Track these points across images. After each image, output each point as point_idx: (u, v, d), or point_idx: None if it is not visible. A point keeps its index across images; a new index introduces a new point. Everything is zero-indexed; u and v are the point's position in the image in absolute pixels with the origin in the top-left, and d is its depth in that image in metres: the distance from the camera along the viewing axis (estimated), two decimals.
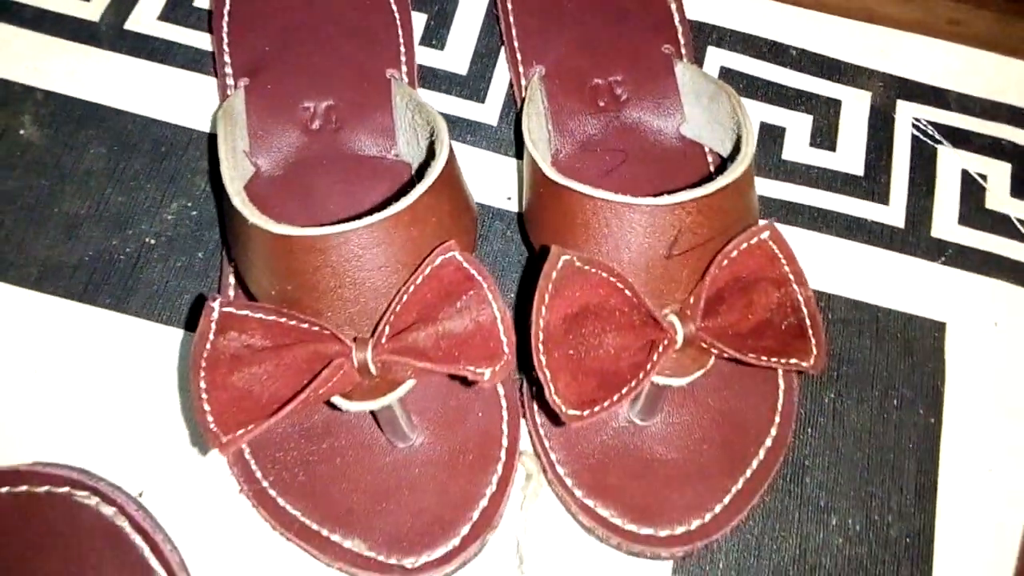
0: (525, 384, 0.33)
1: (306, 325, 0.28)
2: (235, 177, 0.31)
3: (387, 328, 0.28)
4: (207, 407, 0.27)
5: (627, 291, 0.28)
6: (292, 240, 0.28)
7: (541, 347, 0.27)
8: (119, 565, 0.29)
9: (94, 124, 0.37)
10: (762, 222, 0.30)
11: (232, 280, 0.34)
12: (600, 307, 0.28)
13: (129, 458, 0.32)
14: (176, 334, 0.34)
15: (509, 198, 0.37)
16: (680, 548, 0.30)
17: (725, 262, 0.29)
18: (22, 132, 0.37)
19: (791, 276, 0.30)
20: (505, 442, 0.31)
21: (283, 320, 0.28)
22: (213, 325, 0.28)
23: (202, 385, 0.27)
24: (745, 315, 0.29)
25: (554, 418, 0.28)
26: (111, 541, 0.29)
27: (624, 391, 0.28)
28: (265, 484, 0.31)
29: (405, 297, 0.28)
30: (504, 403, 0.32)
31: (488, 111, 0.39)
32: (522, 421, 0.33)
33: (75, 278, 0.34)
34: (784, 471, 0.33)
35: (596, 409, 0.27)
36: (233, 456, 0.31)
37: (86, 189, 0.36)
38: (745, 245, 0.29)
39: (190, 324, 0.34)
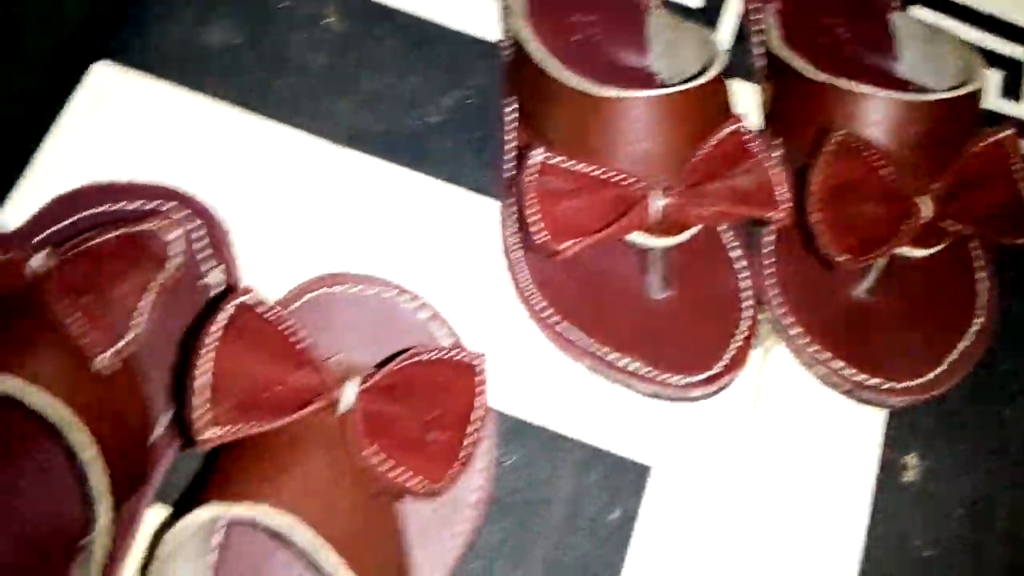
0: (759, 264, 0.38)
1: (612, 174, 0.34)
2: (546, 55, 0.37)
3: (683, 180, 0.33)
4: (541, 225, 0.32)
5: (885, 170, 0.34)
6: (613, 101, 0.34)
7: (818, 204, 0.33)
8: None
9: (388, 22, 0.43)
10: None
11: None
12: (862, 181, 0.34)
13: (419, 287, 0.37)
14: (459, 192, 0.40)
15: None
16: (906, 398, 0.35)
17: (965, 157, 0.34)
18: (328, 20, 0.43)
19: (1018, 175, 0.35)
20: (749, 302, 0.37)
21: (590, 169, 0.34)
22: (536, 168, 0.33)
23: (534, 209, 0.33)
24: (979, 202, 0.34)
25: (825, 263, 0.33)
26: (422, 339, 0.34)
27: (882, 248, 0.33)
28: (546, 314, 0.36)
29: (698, 156, 0.33)
30: (745, 272, 0.37)
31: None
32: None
33: (375, 141, 0.41)
34: (984, 360, 0.38)
35: (860, 257, 0.32)
36: (521, 295, 0.37)
37: (380, 73, 0.42)
38: (984, 144, 0.34)
39: (473, 185, 0.40)
